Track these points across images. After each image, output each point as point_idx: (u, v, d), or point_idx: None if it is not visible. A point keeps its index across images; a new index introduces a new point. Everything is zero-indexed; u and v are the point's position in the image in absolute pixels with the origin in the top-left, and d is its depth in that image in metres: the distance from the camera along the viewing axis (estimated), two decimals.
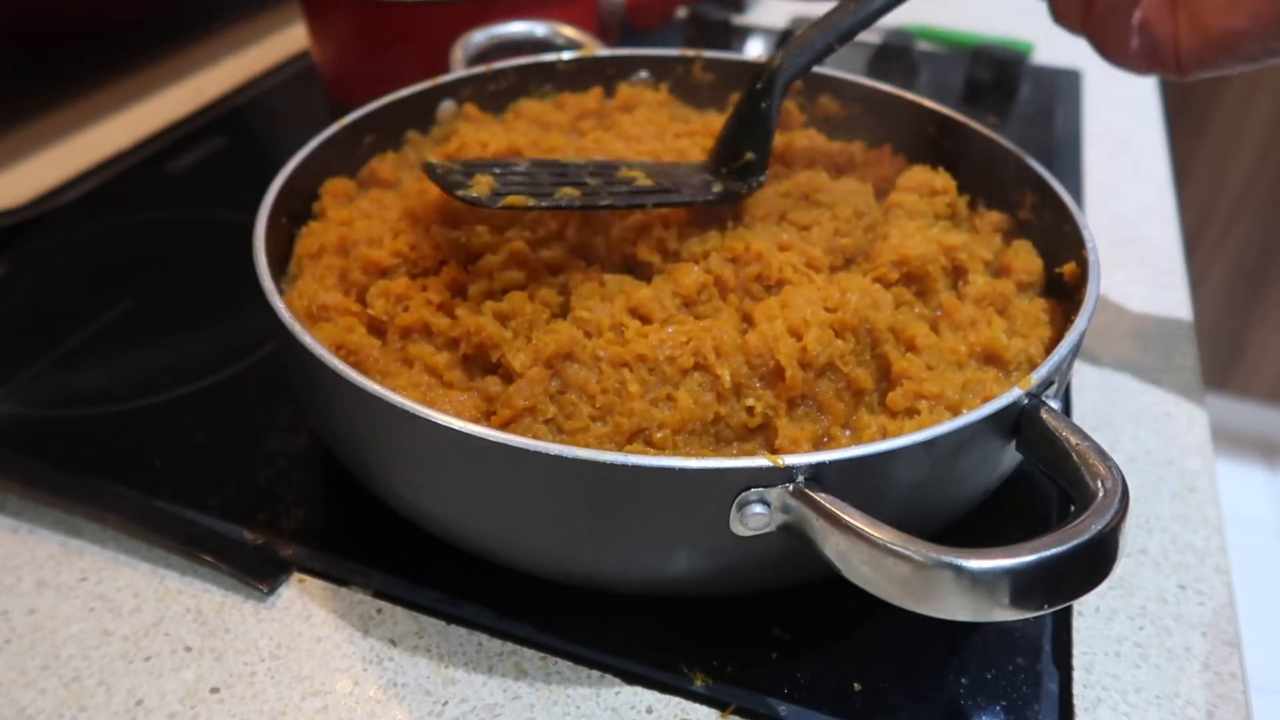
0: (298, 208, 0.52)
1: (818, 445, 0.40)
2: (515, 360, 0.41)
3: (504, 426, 0.39)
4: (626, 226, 0.48)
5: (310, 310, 0.45)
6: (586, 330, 0.42)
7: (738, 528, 0.35)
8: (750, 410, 0.40)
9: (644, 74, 0.66)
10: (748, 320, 0.43)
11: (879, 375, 0.43)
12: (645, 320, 0.43)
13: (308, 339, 0.39)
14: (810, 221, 0.50)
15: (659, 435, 0.38)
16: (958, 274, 0.48)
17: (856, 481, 0.35)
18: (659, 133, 0.59)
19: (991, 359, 0.43)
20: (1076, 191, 0.75)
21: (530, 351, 0.41)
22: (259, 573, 0.43)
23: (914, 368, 0.42)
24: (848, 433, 0.41)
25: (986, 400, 0.39)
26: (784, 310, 0.43)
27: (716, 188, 0.50)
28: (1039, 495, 0.49)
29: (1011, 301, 0.47)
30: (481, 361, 0.43)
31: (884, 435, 0.39)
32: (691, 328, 0.42)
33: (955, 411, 0.40)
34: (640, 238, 0.47)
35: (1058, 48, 0.94)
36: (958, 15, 1.05)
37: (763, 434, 0.40)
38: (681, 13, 1.05)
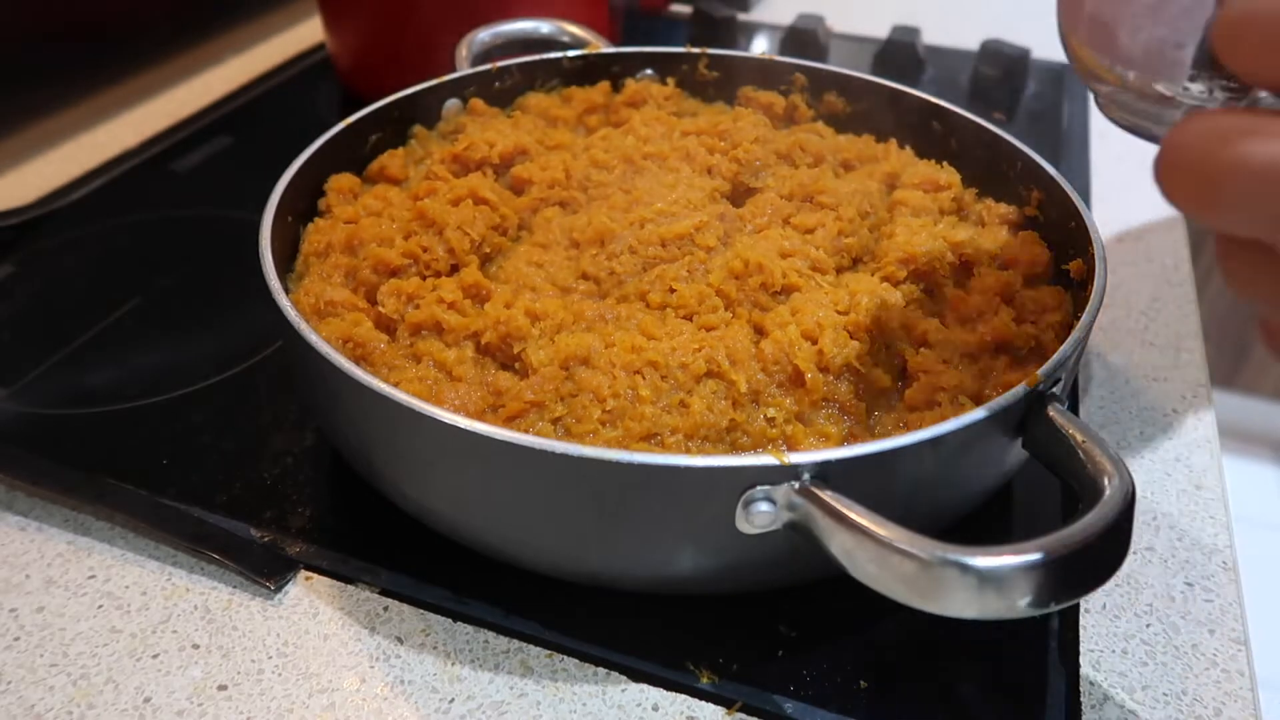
0: (304, 206, 0.52)
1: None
2: (534, 356, 0.41)
3: (509, 420, 0.39)
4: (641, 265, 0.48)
5: (317, 307, 0.45)
6: (606, 342, 0.42)
7: (743, 525, 0.35)
8: (771, 421, 0.40)
9: (649, 72, 0.66)
10: (760, 331, 0.43)
11: (896, 373, 0.43)
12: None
13: (313, 336, 0.39)
14: (815, 224, 0.50)
15: (670, 440, 0.38)
16: (965, 268, 0.48)
17: (862, 479, 0.35)
18: (667, 131, 0.59)
19: (1002, 347, 0.43)
20: (1084, 188, 0.75)
21: (551, 350, 0.41)
22: (266, 570, 0.43)
23: (929, 361, 0.42)
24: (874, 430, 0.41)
25: (1006, 387, 0.39)
26: (796, 316, 0.43)
27: None
28: (1046, 492, 0.48)
29: (1018, 290, 0.47)
30: (499, 355, 0.43)
31: (906, 430, 0.39)
32: (704, 336, 0.42)
33: (978, 400, 0.40)
34: (653, 284, 0.47)
35: (1059, 48, 0.94)
36: (958, 16, 1.05)
37: (785, 443, 0.40)
38: (686, 10, 1.05)
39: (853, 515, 0.32)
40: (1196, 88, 0.36)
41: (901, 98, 0.60)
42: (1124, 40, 0.37)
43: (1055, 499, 0.48)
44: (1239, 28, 0.26)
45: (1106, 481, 0.33)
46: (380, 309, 0.45)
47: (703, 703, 0.39)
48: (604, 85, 0.64)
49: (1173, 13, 0.35)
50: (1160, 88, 0.36)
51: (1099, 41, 0.39)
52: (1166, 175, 0.27)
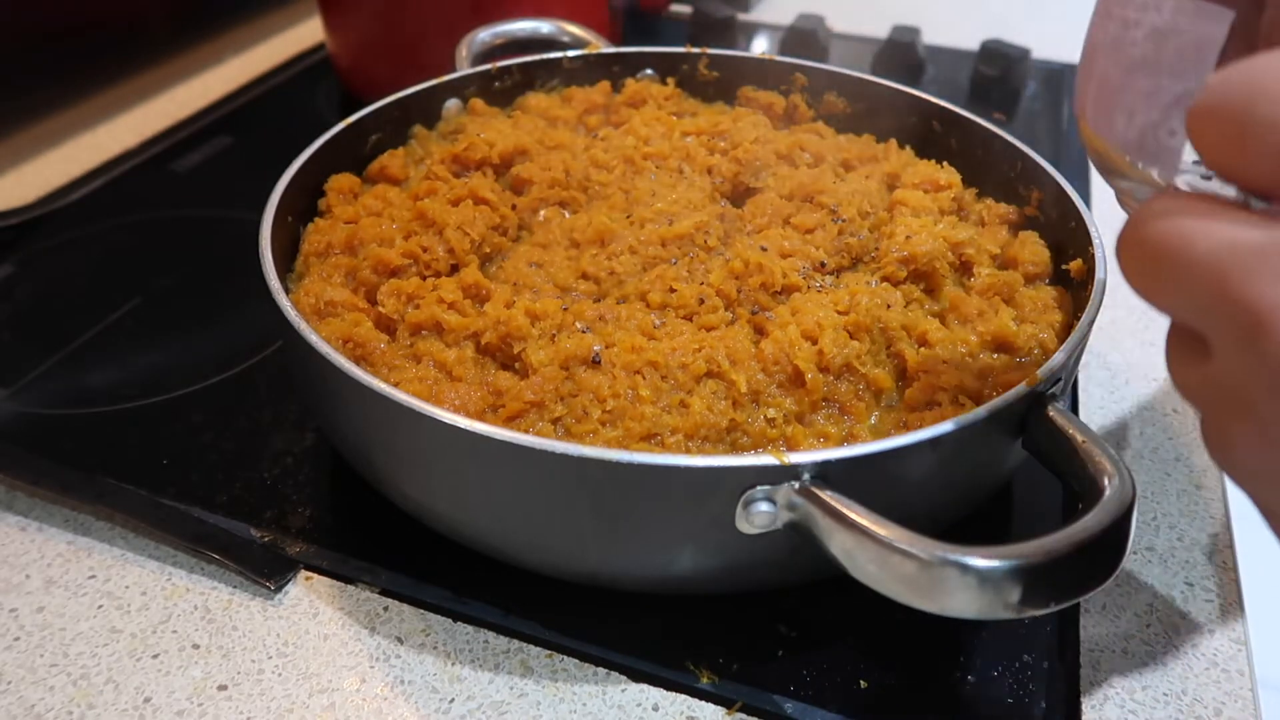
0: (304, 206, 0.52)
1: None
2: (534, 356, 0.41)
3: (509, 420, 0.39)
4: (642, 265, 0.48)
5: (318, 307, 0.45)
6: (607, 342, 0.42)
7: (744, 525, 0.35)
8: (771, 422, 0.40)
9: (649, 72, 0.66)
10: (760, 331, 0.43)
11: (896, 373, 0.43)
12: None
13: (313, 336, 0.39)
14: (814, 224, 0.50)
15: (671, 440, 0.38)
16: (965, 268, 0.48)
17: (862, 479, 0.35)
18: (667, 131, 0.59)
19: (1003, 346, 0.44)
20: (1084, 188, 0.75)
21: (551, 351, 0.41)
22: (266, 571, 0.43)
23: (929, 361, 0.42)
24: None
25: (1006, 387, 0.39)
26: (796, 316, 0.43)
27: None
28: (1046, 492, 0.48)
29: (1018, 290, 0.47)
30: (499, 355, 0.43)
31: (906, 430, 0.39)
32: (704, 336, 0.42)
33: (978, 400, 0.40)
34: (653, 284, 0.47)
35: (1059, 47, 0.94)
36: (958, 16, 1.05)
37: (784, 443, 0.40)
38: (686, 10, 1.05)
39: (853, 515, 0.32)
40: (1190, 179, 0.36)
41: (901, 97, 0.60)
42: (1120, 124, 0.38)
43: (1055, 499, 0.48)
44: (1202, 118, 0.24)
45: (1106, 481, 0.33)
46: (380, 309, 0.45)
47: (703, 703, 0.39)
48: (604, 85, 0.64)
49: (1165, 100, 0.35)
50: (1156, 175, 0.37)
51: (1102, 125, 0.39)
52: (1120, 248, 0.27)
